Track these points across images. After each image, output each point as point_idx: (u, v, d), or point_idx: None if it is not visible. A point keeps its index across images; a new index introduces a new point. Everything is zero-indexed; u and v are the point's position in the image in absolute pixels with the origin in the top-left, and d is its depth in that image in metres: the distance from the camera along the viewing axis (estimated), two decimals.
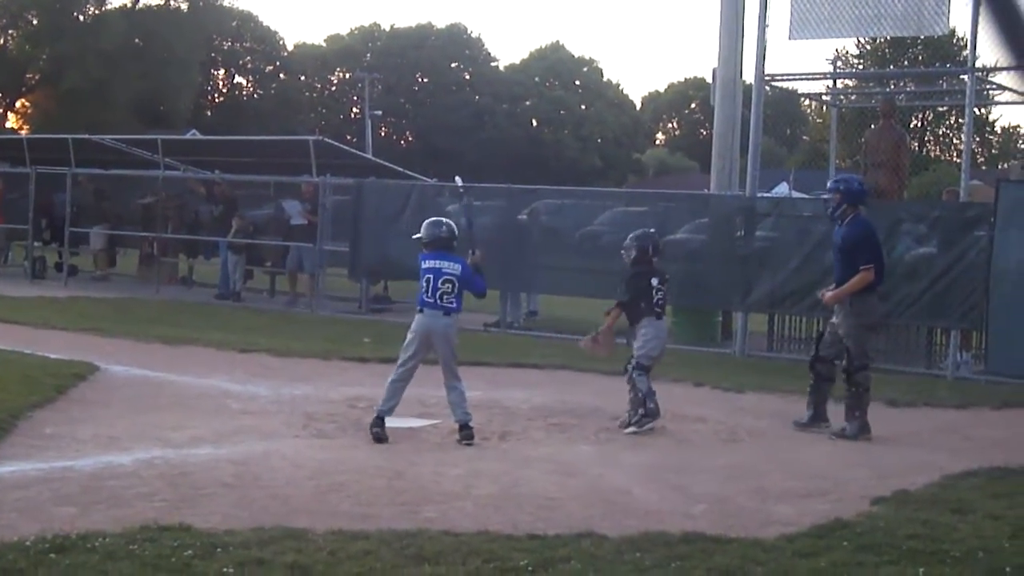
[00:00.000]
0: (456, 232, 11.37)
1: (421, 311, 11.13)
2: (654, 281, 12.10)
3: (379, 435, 10.84)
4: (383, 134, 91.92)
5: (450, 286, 11.01)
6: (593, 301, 21.54)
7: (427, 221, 11.48)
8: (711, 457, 10.66)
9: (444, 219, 11.61)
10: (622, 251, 12.39)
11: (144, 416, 11.64)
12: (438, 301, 11.01)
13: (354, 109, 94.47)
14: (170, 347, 16.63)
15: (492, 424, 11.87)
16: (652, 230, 13.06)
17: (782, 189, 39.58)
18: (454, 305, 11.08)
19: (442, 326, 11.04)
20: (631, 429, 11.67)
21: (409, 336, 11.15)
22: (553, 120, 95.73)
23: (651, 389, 11.93)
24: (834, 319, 12.25)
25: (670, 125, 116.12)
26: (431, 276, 11.03)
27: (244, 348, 16.57)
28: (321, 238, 22.54)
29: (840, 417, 12.03)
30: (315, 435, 11.20)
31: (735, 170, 20.76)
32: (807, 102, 63.77)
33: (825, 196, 12.65)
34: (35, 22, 66.41)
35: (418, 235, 11.32)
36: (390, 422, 11.05)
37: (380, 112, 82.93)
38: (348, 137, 76.37)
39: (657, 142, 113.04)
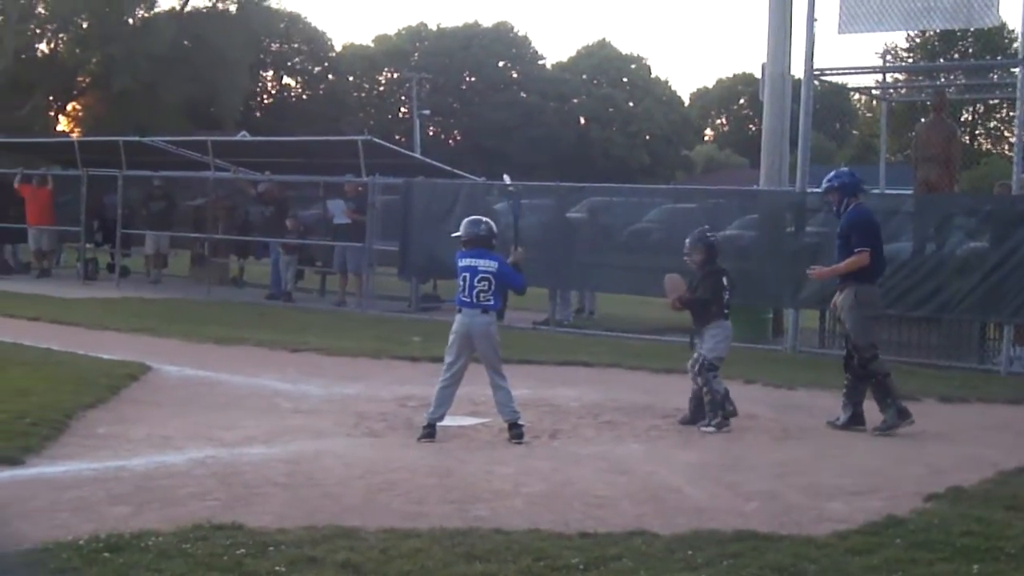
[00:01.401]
0: (495, 231, 11.30)
1: (460, 311, 11.12)
2: (724, 281, 12.10)
3: (430, 433, 10.86)
4: (431, 133, 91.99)
5: (487, 284, 10.94)
6: (641, 299, 21.58)
7: (466, 219, 11.43)
8: (763, 454, 10.60)
9: (484, 218, 11.53)
10: (685, 256, 12.33)
11: (196, 416, 11.71)
12: (475, 299, 10.96)
13: (402, 109, 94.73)
14: (222, 347, 16.72)
15: (542, 422, 11.86)
16: (707, 227, 13.02)
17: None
18: (492, 303, 11.03)
19: (481, 324, 11.00)
20: (710, 429, 11.63)
21: (451, 338, 11.12)
22: (601, 118, 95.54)
23: (726, 390, 11.94)
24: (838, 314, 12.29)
25: (719, 121, 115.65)
26: (467, 274, 10.98)
27: (295, 347, 16.63)
28: (370, 237, 22.61)
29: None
30: (366, 434, 11.23)
31: (785, 166, 20.66)
32: (857, 96, 63.37)
33: (824, 196, 12.55)
34: (85, 26, 66.92)
35: (457, 233, 11.30)
36: (441, 422, 11.07)
37: (428, 111, 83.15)
38: (397, 137, 76.55)
39: (706, 138, 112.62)
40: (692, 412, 12.01)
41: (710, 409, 11.80)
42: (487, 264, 10.99)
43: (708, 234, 12.45)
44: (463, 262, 11.06)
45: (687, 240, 12.34)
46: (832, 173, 12.52)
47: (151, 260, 27.27)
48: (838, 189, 12.12)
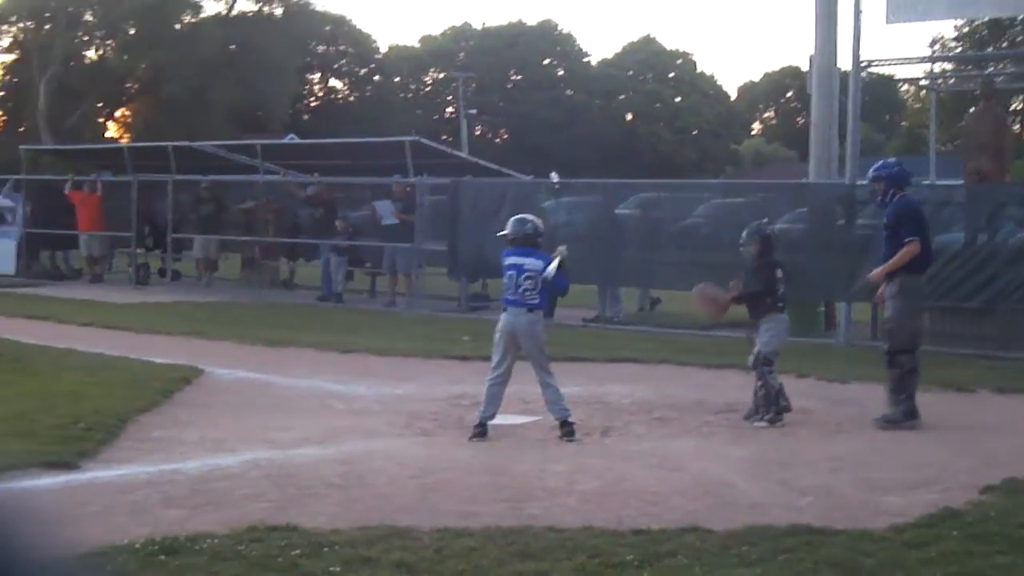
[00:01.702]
0: (541, 229, 11.31)
1: (505, 310, 11.12)
2: (779, 273, 12.05)
3: (482, 432, 10.89)
4: (478, 133, 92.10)
5: (532, 282, 10.92)
6: (688, 293, 21.52)
7: (513, 218, 11.43)
8: (816, 449, 10.56)
9: (530, 216, 11.52)
10: (741, 247, 12.31)
11: (249, 418, 11.78)
12: (521, 298, 10.97)
13: (448, 109, 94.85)
14: (273, 349, 16.80)
15: (593, 420, 11.86)
16: (766, 220, 12.99)
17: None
18: (537, 301, 11.00)
19: (526, 323, 10.98)
20: (762, 424, 11.61)
21: (496, 336, 11.14)
22: (648, 114, 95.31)
23: (782, 384, 11.90)
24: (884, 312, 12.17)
25: (767, 115, 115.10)
26: (513, 273, 10.98)
27: (346, 348, 16.69)
28: (419, 238, 22.66)
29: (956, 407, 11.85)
30: (418, 433, 11.26)
31: (834, 158, 20.56)
32: (905, 87, 62.91)
33: (871, 186, 12.41)
34: (132, 32, 67.39)
35: (504, 232, 11.30)
36: (493, 421, 11.09)
37: (475, 111, 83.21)
38: (443, 136, 76.51)
39: (753, 132, 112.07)
40: (757, 405, 11.98)
41: (764, 403, 11.76)
42: (533, 263, 10.97)
43: (764, 226, 12.43)
44: (509, 260, 11.06)
45: (744, 231, 12.32)
46: (879, 163, 12.44)
47: (201, 264, 27.44)
48: (885, 179, 12.03)
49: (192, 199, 27.21)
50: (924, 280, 12.17)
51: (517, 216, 11.53)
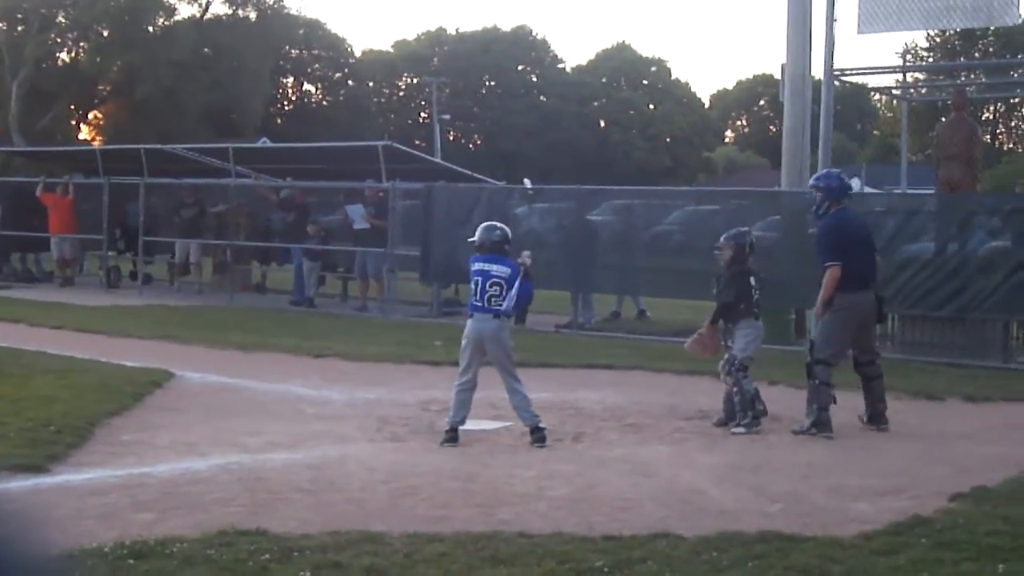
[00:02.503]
0: (509, 236, 11.32)
1: (471, 316, 11.13)
2: (752, 281, 12.08)
3: (452, 437, 10.89)
4: (451, 138, 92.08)
5: (498, 288, 10.93)
6: (663, 301, 21.59)
7: (482, 225, 11.47)
8: (787, 456, 10.59)
9: (499, 224, 11.54)
10: (716, 251, 12.35)
11: (220, 422, 11.75)
12: (487, 304, 10.97)
13: (422, 114, 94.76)
14: (245, 353, 16.76)
15: (565, 425, 11.87)
16: (745, 229, 13.01)
17: (854, 185, 39.21)
18: (503, 307, 11.01)
19: (492, 329, 10.98)
20: (739, 430, 11.63)
21: (463, 342, 11.15)
22: (621, 120, 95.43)
23: (756, 390, 11.94)
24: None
25: (739, 122, 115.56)
26: (479, 279, 11.01)
27: (318, 353, 16.67)
28: (391, 243, 22.63)
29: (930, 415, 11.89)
30: (389, 438, 11.26)
31: (806, 166, 20.59)
32: (877, 96, 63.19)
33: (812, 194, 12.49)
34: (105, 35, 67.10)
35: (472, 238, 11.32)
36: (463, 427, 11.09)
37: (448, 116, 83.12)
38: (416, 142, 76.44)
39: (727, 140, 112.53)
40: (727, 413, 11.99)
41: (740, 409, 11.78)
42: (500, 270, 10.99)
43: (743, 234, 12.43)
44: (476, 266, 11.08)
45: (722, 236, 12.35)
46: (820, 172, 12.54)
47: (178, 268, 27.31)
48: (823, 190, 12.12)
49: (174, 203, 27.09)
50: (859, 293, 11.93)
51: (486, 223, 11.56)
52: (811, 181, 12.35)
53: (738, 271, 12.11)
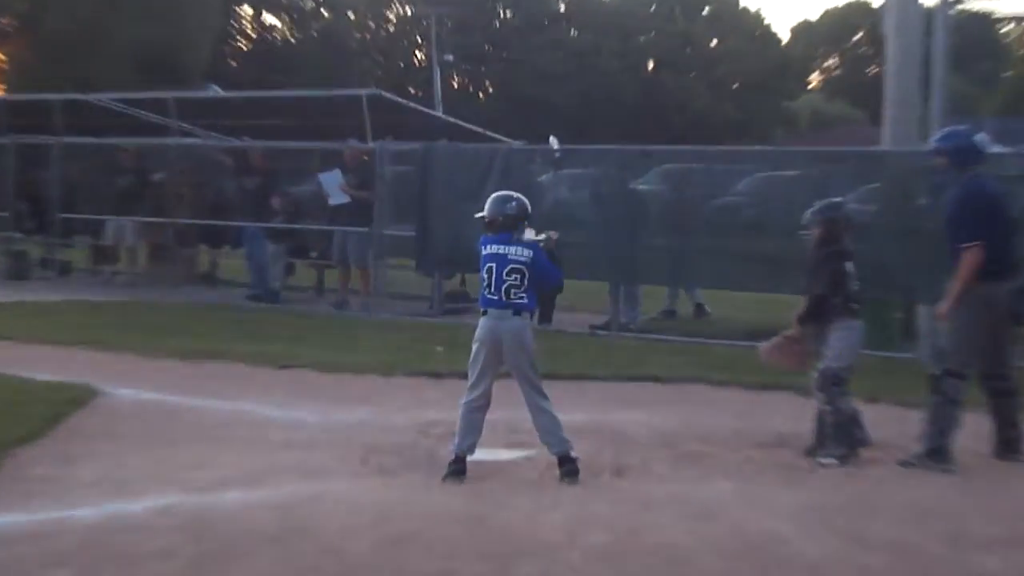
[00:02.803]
0: (529, 210, 11.25)
1: (485, 313, 11.09)
2: (849, 267, 12.02)
3: (458, 471, 10.87)
4: (456, 85, 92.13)
5: (518, 277, 10.89)
6: (729, 294, 21.54)
7: (493, 196, 11.36)
8: (890, 493, 10.57)
9: (515, 194, 11.46)
10: (802, 232, 12.31)
11: (159, 451, 11.76)
12: (504, 297, 10.93)
13: (418, 54, 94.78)
14: (190, 364, 16.78)
15: (602, 455, 11.85)
16: (839, 199, 12.95)
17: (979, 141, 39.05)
18: (525, 301, 10.97)
19: (512, 329, 10.95)
20: (830, 461, 11.60)
21: (474, 347, 11.09)
22: (676, 61, 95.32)
23: (856, 410, 11.89)
24: None
25: (828, 63, 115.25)
26: (493, 265, 10.94)
27: (285, 362, 16.70)
28: (379, 220, 22.62)
29: None
30: (377, 472, 11.25)
31: (915, 119, 20.54)
32: (1009, 26, 62.97)
33: (933, 160, 12.36)
34: None
35: (481, 213, 11.29)
36: (472, 456, 11.09)
37: (451, 57, 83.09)
38: (411, 90, 76.65)
39: (811, 86, 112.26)
40: (817, 439, 11.96)
41: (833, 435, 11.74)
42: (520, 252, 10.96)
43: (835, 206, 12.38)
44: (488, 249, 11.03)
45: (808, 211, 12.30)
46: (946, 131, 12.42)
47: (106, 253, 27.28)
48: (949, 153, 11.99)
49: (103, 169, 27.04)
50: (996, 285, 11.85)
51: (498, 193, 11.50)
52: (934, 141, 12.21)
53: (830, 254, 12.06)
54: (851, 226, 12.43)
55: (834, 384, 11.82)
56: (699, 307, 22.75)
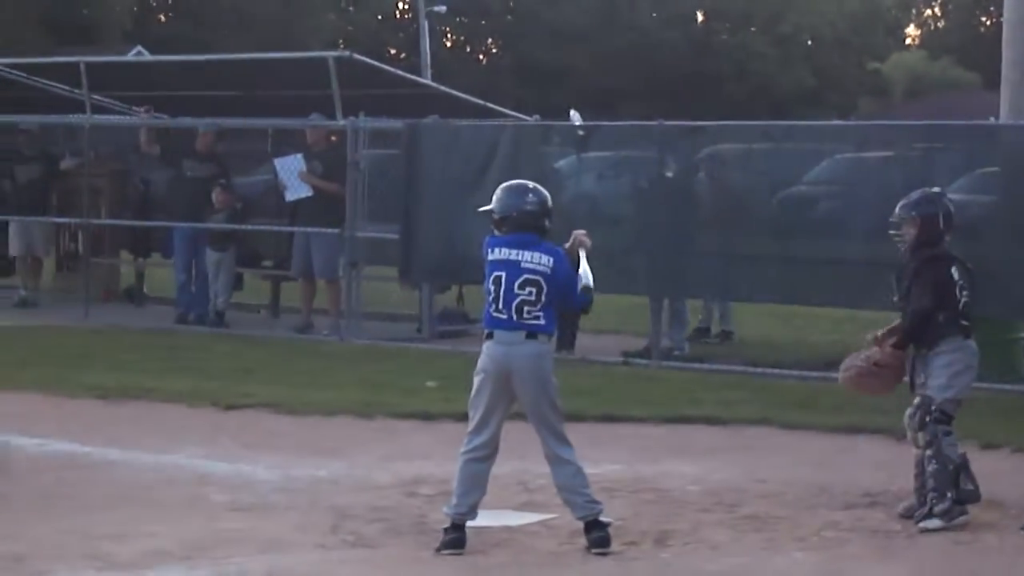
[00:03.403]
0: (550, 205, 11.20)
1: (490, 336, 11.05)
2: (955, 274, 11.98)
3: (456, 540, 10.86)
4: (449, 44, 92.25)
5: (534, 291, 10.83)
6: (802, 310, 21.51)
7: (504, 186, 11.33)
8: (1012, 568, 10.57)
9: (531, 184, 11.43)
10: (892, 232, 12.28)
11: (69, 518, 11.77)
12: (516, 317, 10.88)
13: (401, 4, 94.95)
14: (110, 404, 16.84)
15: (642, 519, 11.88)
16: (937, 189, 12.92)
17: None
18: (543, 323, 10.92)
19: (526, 358, 10.89)
20: (934, 523, 11.57)
21: (477, 380, 11.05)
22: (730, 13, 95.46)
23: (964, 457, 11.83)
24: None
25: (928, 12, 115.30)
26: (503, 275, 10.87)
27: (232, 402, 16.74)
28: (353, 219, 22.62)
29: None
30: (351, 543, 11.27)
31: None
32: None
33: None
34: None
35: (487, 207, 11.26)
36: (474, 521, 11.10)
37: (443, 8, 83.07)
38: (392, 51, 76.75)
39: (908, 42, 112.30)
40: (918, 495, 11.93)
41: (935, 488, 11.70)
42: (537, 260, 10.90)
43: (934, 199, 12.34)
44: (496, 254, 10.99)
45: (898, 206, 12.27)
46: None
47: (22, 266, 27.29)
48: None
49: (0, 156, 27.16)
50: None
51: (511, 183, 11.48)
52: None
53: (930, 259, 12.03)
54: (955, 224, 12.39)
55: (938, 422, 11.76)
56: (727, 333, 22.74)
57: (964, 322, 11.94)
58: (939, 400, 11.75)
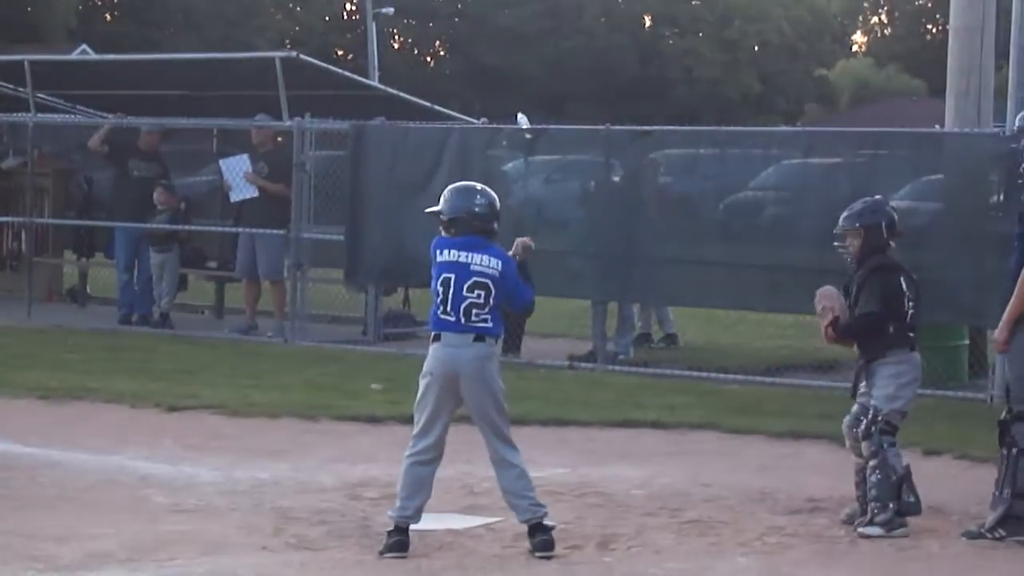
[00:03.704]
0: (498, 208, 11.18)
1: (437, 338, 11.06)
2: (903, 283, 12.03)
3: (399, 543, 10.86)
4: (397, 46, 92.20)
5: (482, 293, 10.86)
6: (748, 315, 21.56)
7: (453, 187, 11.34)
8: (956, 574, 10.60)
9: (480, 186, 11.44)
10: (836, 243, 12.31)
11: (10, 519, 11.75)
12: (463, 319, 10.90)
13: (348, 6, 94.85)
14: (52, 405, 16.79)
15: (586, 523, 11.90)
16: (879, 197, 12.91)
17: None
18: (490, 325, 10.95)
19: (473, 360, 10.90)
20: (874, 530, 11.61)
21: (423, 383, 11.04)
22: (679, 17, 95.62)
23: (907, 467, 11.86)
24: None
25: (875, 19, 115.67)
26: (451, 276, 10.88)
27: (175, 404, 16.70)
28: (297, 220, 22.58)
29: None
30: (294, 545, 11.26)
31: (988, 94, 20.60)
32: None
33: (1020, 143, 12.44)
34: None
35: (435, 208, 11.23)
36: (417, 524, 11.10)
37: (391, 9, 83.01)
38: (339, 53, 76.66)
39: (855, 48, 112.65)
40: (860, 502, 11.97)
41: (876, 498, 11.73)
42: (486, 262, 10.92)
43: (878, 206, 12.36)
44: (444, 256, 10.99)
45: (843, 215, 12.29)
46: None
47: None
48: None
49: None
50: None
51: (460, 184, 11.49)
52: (1018, 121, 12.29)
53: (878, 268, 12.05)
54: (900, 232, 12.42)
55: (883, 432, 11.80)
56: (671, 336, 22.76)
57: (911, 334, 11.98)
58: (885, 410, 11.79)
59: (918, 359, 12.09)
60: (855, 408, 12.02)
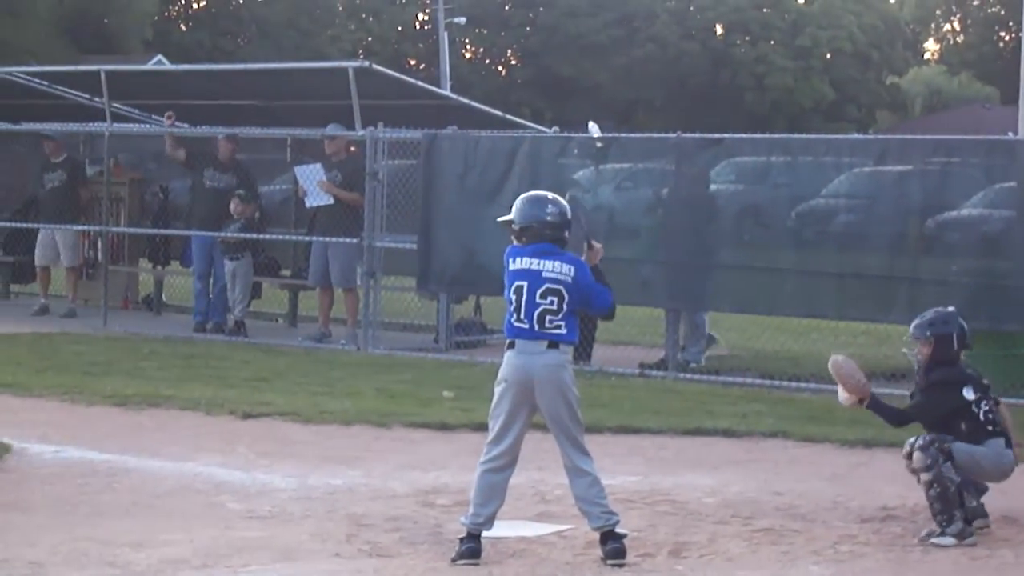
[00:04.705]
0: (569, 216, 11.17)
1: (512, 346, 11.03)
2: (968, 394, 11.91)
3: (472, 550, 10.85)
4: (468, 56, 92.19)
5: (556, 300, 10.82)
6: (819, 323, 21.44)
7: (524, 196, 11.31)
8: None
9: (551, 195, 11.40)
10: (904, 350, 12.22)
11: (84, 526, 11.76)
12: (537, 326, 10.86)
13: (421, 16, 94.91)
14: (127, 412, 16.82)
15: (658, 531, 11.85)
16: (952, 309, 12.70)
17: None
18: (564, 332, 10.91)
19: (548, 368, 10.87)
20: (947, 540, 11.51)
21: (497, 390, 11.02)
22: (750, 26, 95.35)
23: (968, 479, 11.77)
24: None
25: (947, 27, 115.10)
26: (524, 284, 10.86)
27: (249, 411, 16.73)
28: (371, 228, 22.59)
29: None
30: (367, 552, 11.25)
31: None
32: None
33: None
34: None
35: (507, 217, 11.21)
36: (490, 531, 11.09)
37: (463, 19, 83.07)
38: (411, 62, 76.73)
39: (928, 56, 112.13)
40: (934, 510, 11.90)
41: (941, 511, 11.64)
42: (559, 269, 10.89)
43: (947, 319, 12.20)
44: (516, 264, 10.98)
45: (913, 324, 12.18)
46: None
47: (42, 277, 27.24)
48: None
49: (26, 164, 27.09)
50: None
51: (531, 193, 11.47)
52: None
53: (939, 383, 11.95)
54: (969, 344, 12.24)
55: (941, 451, 11.65)
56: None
57: (991, 428, 11.84)
58: (955, 449, 11.68)
59: (1002, 445, 11.91)
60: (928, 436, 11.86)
